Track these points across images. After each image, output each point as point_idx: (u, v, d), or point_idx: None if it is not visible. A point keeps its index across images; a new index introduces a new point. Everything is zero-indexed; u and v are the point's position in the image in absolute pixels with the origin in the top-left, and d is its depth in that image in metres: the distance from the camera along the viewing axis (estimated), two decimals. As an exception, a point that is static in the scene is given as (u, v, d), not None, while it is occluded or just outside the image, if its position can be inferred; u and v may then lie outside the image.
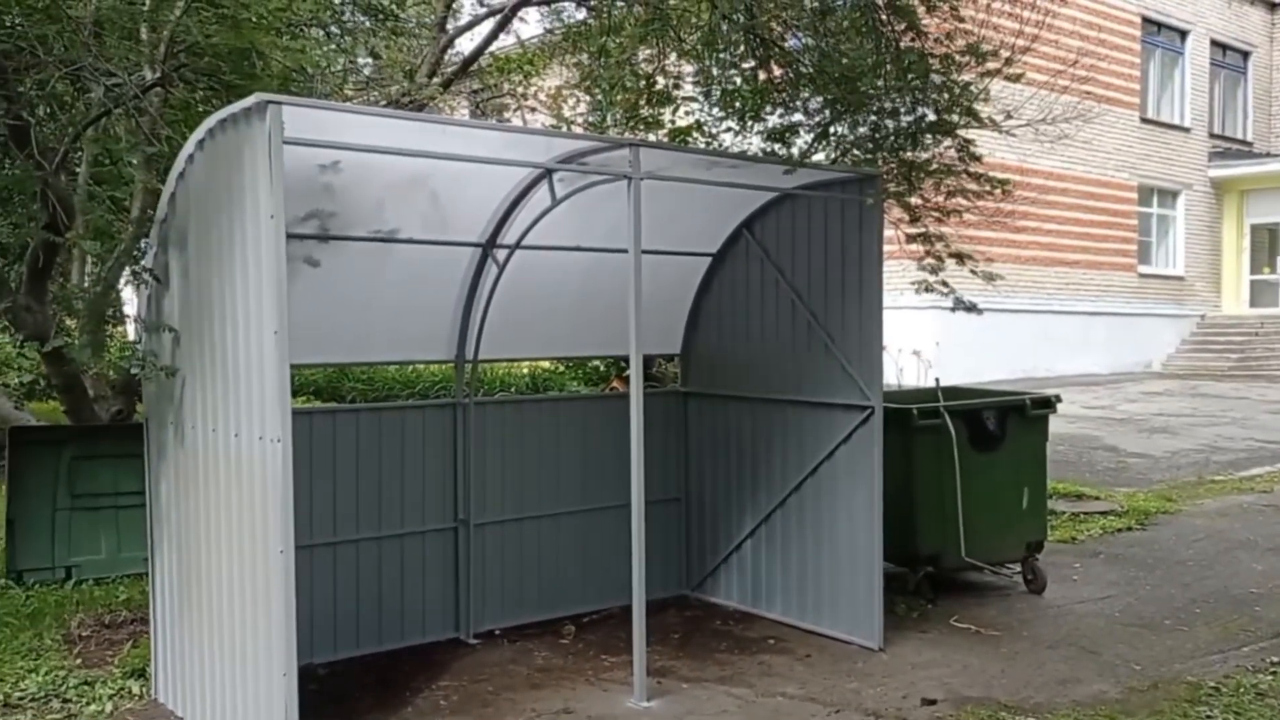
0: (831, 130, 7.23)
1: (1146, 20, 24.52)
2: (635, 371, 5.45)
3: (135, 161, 6.93)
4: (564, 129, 10.35)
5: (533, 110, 11.47)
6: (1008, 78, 6.40)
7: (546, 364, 15.32)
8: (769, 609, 6.90)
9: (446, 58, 10.90)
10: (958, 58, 6.14)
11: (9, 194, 8.03)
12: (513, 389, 15.22)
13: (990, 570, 7.51)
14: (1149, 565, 8.15)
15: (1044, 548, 7.66)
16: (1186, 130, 25.88)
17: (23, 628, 6.41)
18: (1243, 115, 27.86)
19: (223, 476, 4.78)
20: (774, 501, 6.85)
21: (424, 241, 6.20)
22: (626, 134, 8.70)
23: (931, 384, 7.69)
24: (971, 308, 7.11)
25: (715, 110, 8.33)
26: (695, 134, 8.70)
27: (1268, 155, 26.90)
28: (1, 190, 7.82)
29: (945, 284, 7.03)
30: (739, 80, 7.71)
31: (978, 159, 6.52)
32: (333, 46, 9.65)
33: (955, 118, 6.15)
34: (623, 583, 5.97)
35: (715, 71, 7.89)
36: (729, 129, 8.23)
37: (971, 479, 7.10)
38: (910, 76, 5.92)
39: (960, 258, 6.85)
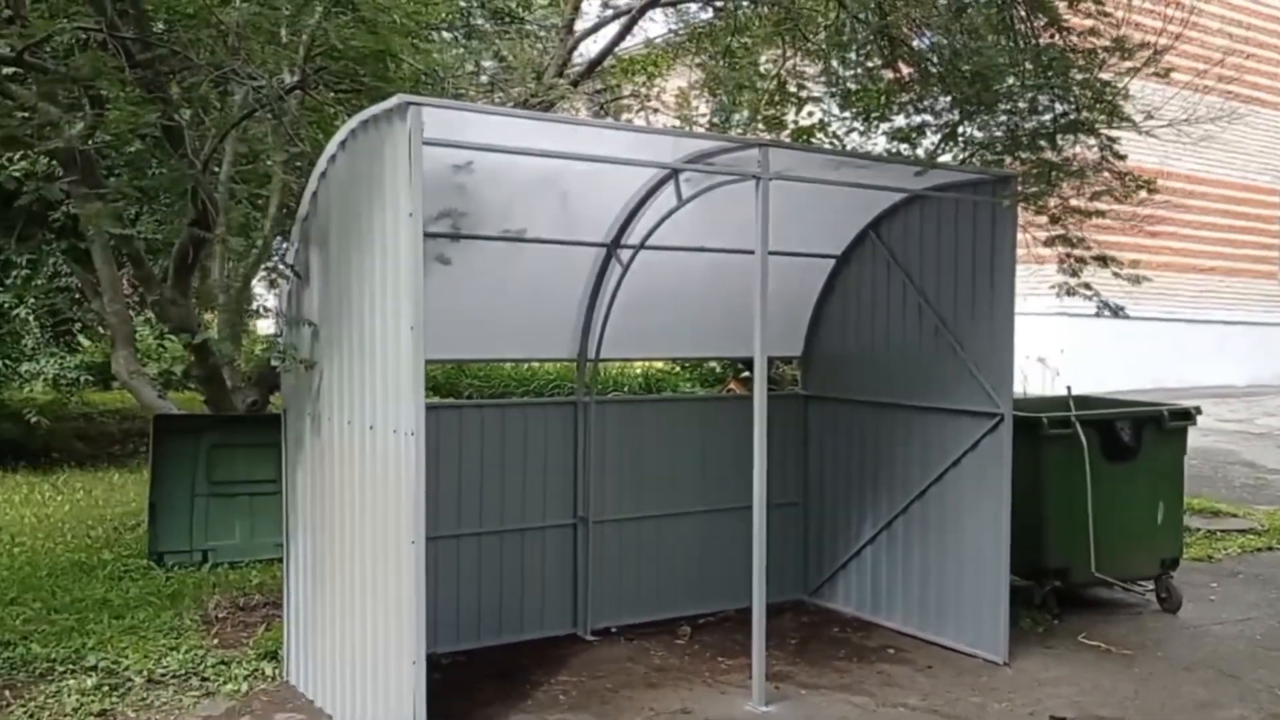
0: (960, 130, 7.07)
1: (1295, 16, 23.32)
2: (759, 374, 5.41)
3: (276, 161, 7.18)
4: (688, 129, 10.35)
5: (655, 111, 11.49)
6: (1155, 74, 6.16)
7: (660, 364, 15.33)
8: (888, 618, 6.78)
9: (571, 59, 10.98)
10: (1100, 54, 5.92)
11: (155, 192, 8.42)
12: (625, 389, 15.29)
13: (1121, 587, 7.24)
14: (1293, 587, 7.76)
15: (1179, 565, 7.36)
16: (1337, 133, 24.52)
17: (164, 607, 6.71)
18: (1398, 116, 26.25)
19: (357, 467, 4.91)
20: (896, 508, 6.73)
21: (550, 241, 6.27)
22: (749, 134, 8.66)
23: (1058, 392, 7.46)
24: (1118, 310, 6.86)
25: (840, 110, 8.24)
26: (819, 134, 8.62)
27: None
28: (151, 189, 8.21)
29: (1089, 287, 6.80)
30: (865, 80, 7.61)
31: (1122, 158, 6.29)
32: (461, 49, 9.83)
33: (1097, 115, 5.94)
34: (739, 585, 5.93)
35: (842, 72, 7.80)
36: (854, 129, 8.13)
37: (1103, 491, 6.86)
38: (1049, 74, 5.74)
39: (1105, 260, 6.62)
